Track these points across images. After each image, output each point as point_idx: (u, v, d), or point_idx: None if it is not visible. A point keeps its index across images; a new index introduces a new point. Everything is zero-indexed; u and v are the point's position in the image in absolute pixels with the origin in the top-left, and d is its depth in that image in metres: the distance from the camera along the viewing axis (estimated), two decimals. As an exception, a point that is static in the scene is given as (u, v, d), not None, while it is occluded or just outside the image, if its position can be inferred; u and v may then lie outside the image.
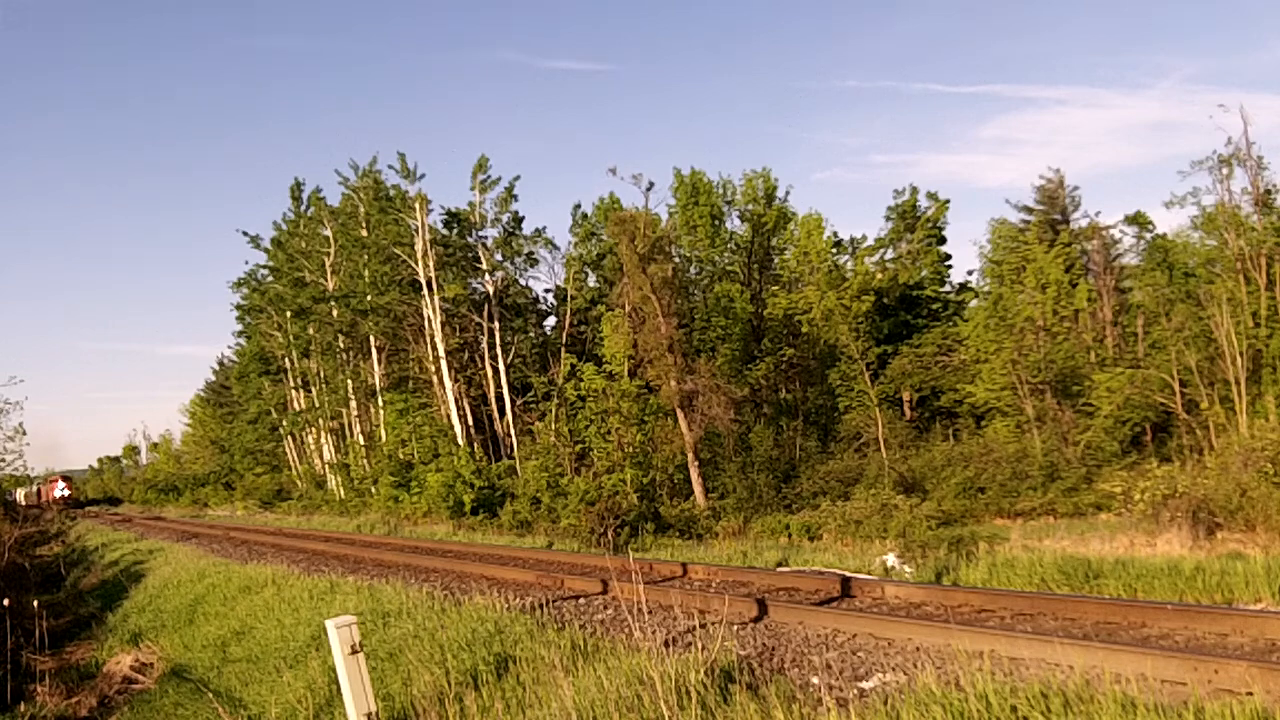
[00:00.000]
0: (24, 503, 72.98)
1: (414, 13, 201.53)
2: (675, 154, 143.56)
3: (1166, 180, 67.98)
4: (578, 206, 47.83)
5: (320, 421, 52.03)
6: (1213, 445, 27.91)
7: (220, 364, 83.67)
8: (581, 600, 11.04)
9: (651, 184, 33.12)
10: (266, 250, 54.55)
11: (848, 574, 11.36)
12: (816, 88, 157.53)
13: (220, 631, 13.08)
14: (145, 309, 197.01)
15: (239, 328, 65.41)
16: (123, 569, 23.15)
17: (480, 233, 40.55)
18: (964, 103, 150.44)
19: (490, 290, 39.90)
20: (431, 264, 38.20)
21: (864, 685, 6.49)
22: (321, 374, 51.84)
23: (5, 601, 15.60)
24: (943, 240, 47.52)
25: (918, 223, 47.17)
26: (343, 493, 44.65)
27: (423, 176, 39.76)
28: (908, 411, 41.03)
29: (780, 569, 12.93)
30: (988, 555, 12.71)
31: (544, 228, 47.60)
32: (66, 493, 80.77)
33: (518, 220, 40.98)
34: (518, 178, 41.33)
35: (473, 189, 40.11)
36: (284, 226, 53.99)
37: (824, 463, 33.88)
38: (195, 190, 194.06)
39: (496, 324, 39.45)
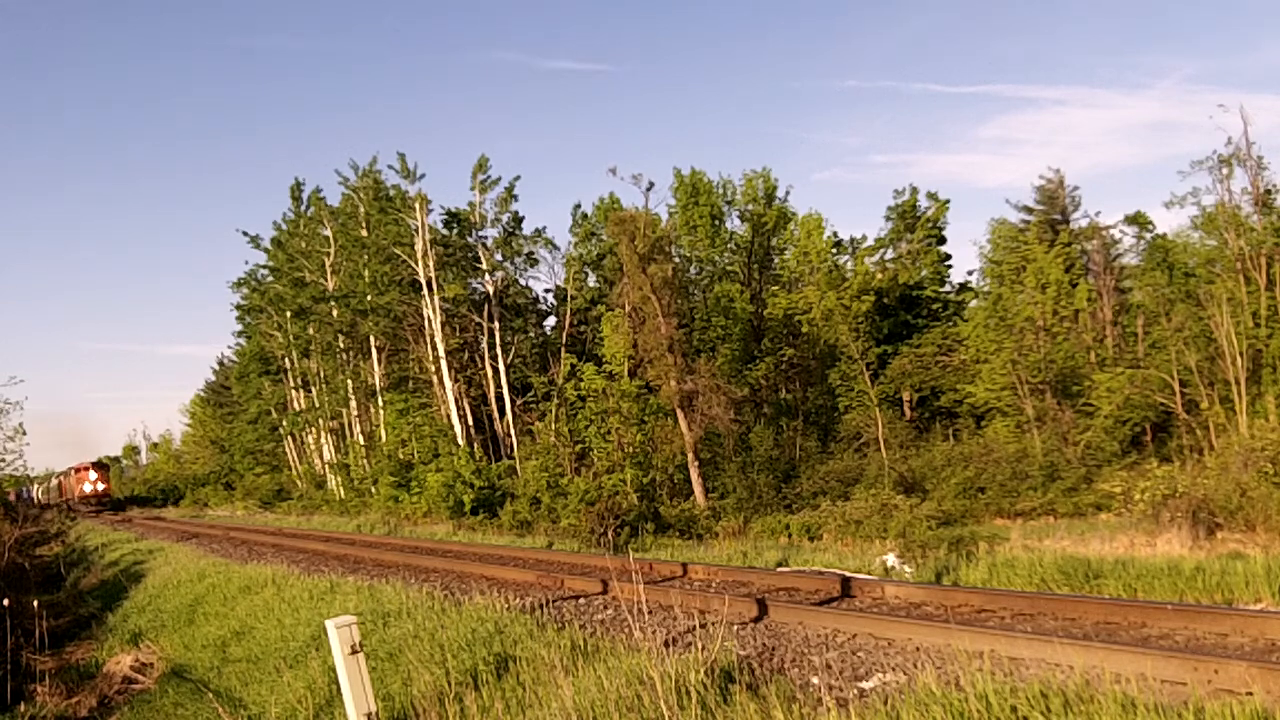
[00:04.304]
0: (41, 500, 64.23)
1: (414, 13, 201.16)
2: (675, 154, 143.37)
3: (1166, 180, 68.03)
4: (578, 206, 47.96)
5: (320, 421, 52.05)
6: (1213, 445, 27.94)
7: (220, 364, 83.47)
8: (581, 600, 11.03)
9: (651, 184, 33.24)
10: (266, 250, 54.61)
11: (848, 574, 11.35)
12: (816, 88, 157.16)
13: (220, 631, 13.06)
14: (145, 309, 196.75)
15: (239, 328, 65.58)
16: (123, 569, 23.11)
17: (480, 233, 40.60)
18: (964, 103, 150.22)
19: (490, 290, 39.91)
20: (431, 264, 38.21)
21: (864, 685, 6.48)
22: (321, 374, 51.85)
23: (5, 601, 15.56)
24: (943, 240, 47.57)
25: (918, 223, 47.19)
26: (343, 493, 44.65)
27: (423, 176, 39.86)
28: (908, 411, 41.04)
29: (780, 569, 12.92)
30: (988, 555, 12.71)
31: (544, 228, 47.72)
32: (101, 487, 62.14)
33: (518, 220, 41.08)
34: (518, 178, 41.47)
35: (473, 189, 40.19)
36: (284, 226, 54.05)
37: (824, 463, 33.88)
38: (195, 190, 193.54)
39: (496, 324, 39.46)
